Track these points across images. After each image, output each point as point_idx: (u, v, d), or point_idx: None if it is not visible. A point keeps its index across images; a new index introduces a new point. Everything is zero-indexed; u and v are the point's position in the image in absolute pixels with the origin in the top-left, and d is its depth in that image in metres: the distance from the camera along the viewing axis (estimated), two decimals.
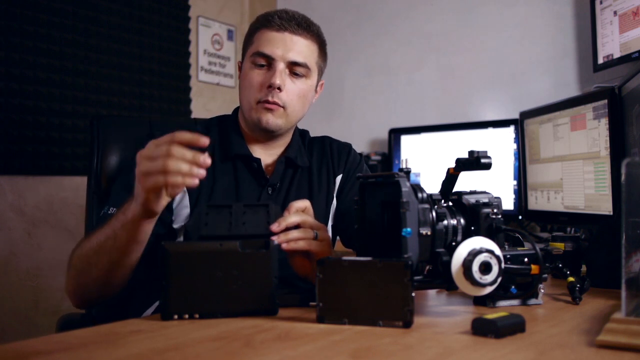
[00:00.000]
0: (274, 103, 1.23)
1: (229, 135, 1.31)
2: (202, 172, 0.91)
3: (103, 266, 1.04)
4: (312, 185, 1.34)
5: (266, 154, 1.32)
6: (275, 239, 0.94)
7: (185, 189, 1.15)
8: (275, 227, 0.96)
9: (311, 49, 1.28)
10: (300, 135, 1.41)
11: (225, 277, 0.86)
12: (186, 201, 1.23)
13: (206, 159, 0.90)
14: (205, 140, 0.91)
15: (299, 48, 1.25)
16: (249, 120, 1.28)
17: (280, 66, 1.23)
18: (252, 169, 1.29)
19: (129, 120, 1.69)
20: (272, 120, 1.24)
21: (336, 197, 1.37)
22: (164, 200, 0.96)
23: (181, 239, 1.22)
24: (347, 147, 1.44)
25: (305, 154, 1.37)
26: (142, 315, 1.17)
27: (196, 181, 0.91)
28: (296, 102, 1.26)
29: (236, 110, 1.37)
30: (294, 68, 1.25)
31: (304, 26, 1.26)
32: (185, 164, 0.89)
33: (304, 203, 1.04)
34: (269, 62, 1.24)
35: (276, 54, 1.23)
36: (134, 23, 2.46)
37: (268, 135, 1.29)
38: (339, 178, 1.38)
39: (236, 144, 1.29)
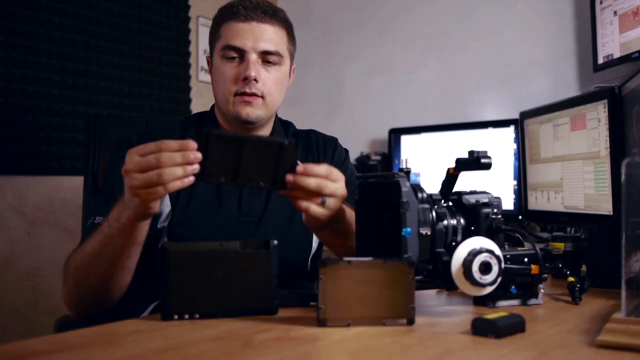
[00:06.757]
0: (252, 94, 1.21)
1: None
2: (196, 167, 0.89)
3: (103, 273, 1.04)
4: None
5: None
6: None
7: None
8: (290, 178, 0.93)
9: (280, 35, 1.25)
10: (283, 126, 1.39)
11: (225, 277, 0.86)
12: (167, 200, 1.20)
13: (197, 155, 0.88)
14: (193, 145, 0.89)
15: (269, 36, 1.23)
16: (227, 114, 1.26)
17: (253, 57, 1.21)
18: None
19: (125, 120, 1.70)
20: (252, 112, 1.22)
21: None
22: (159, 201, 0.96)
23: (165, 239, 1.21)
24: (334, 141, 1.42)
25: None
26: (140, 316, 1.17)
27: (192, 179, 0.90)
28: (274, 90, 1.25)
29: (213, 106, 1.36)
30: (266, 57, 1.23)
31: (270, 13, 1.23)
32: (179, 168, 0.89)
33: (324, 169, 0.97)
34: (241, 54, 1.22)
35: (246, 45, 1.21)
36: (134, 23, 2.46)
37: (248, 127, 1.28)
38: None
39: None
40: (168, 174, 0.88)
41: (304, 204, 0.96)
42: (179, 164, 0.88)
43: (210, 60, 1.32)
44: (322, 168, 0.97)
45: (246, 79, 1.21)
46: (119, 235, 0.99)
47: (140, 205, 0.93)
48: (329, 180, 0.97)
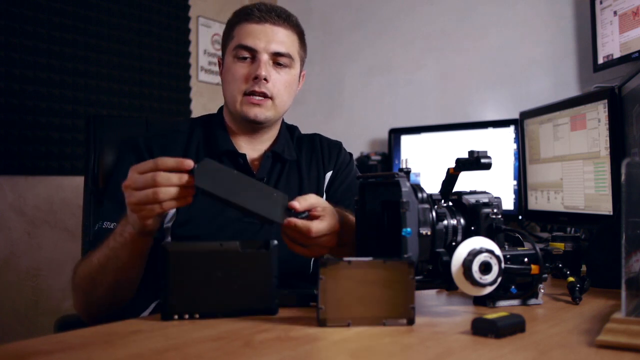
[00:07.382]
0: (262, 93, 1.23)
1: (214, 133, 1.31)
2: (191, 192, 0.92)
3: (109, 284, 1.07)
4: (302, 179, 1.33)
5: (252, 150, 1.32)
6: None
7: None
8: (296, 205, 0.99)
9: (292, 39, 1.28)
10: (289, 130, 1.41)
11: (225, 277, 0.86)
12: None
13: (190, 180, 0.91)
14: (189, 163, 0.91)
15: (281, 39, 1.25)
16: (235, 114, 1.27)
17: (264, 57, 1.23)
18: (238, 165, 1.28)
19: (125, 120, 1.69)
20: (260, 113, 1.24)
21: (325, 192, 1.37)
22: (159, 218, 0.98)
23: (169, 239, 1.22)
24: (338, 145, 1.44)
25: (293, 148, 1.36)
26: (141, 315, 1.17)
27: (189, 199, 0.93)
28: (283, 92, 1.26)
29: (221, 108, 1.37)
30: (277, 59, 1.25)
31: (283, 17, 1.26)
32: (174, 188, 0.91)
33: (312, 228, 0.99)
34: (252, 55, 1.24)
35: (259, 45, 1.23)
36: (134, 23, 2.46)
37: (255, 127, 1.29)
38: (328, 175, 1.37)
39: (221, 141, 1.29)
40: (163, 193, 0.90)
41: (288, 242, 1.01)
42: (174, 185, 0.91)
43: (221, 62, 1.33)
44: (308, 226, 0.98)
45: (256, 78, 1.22)
46: (122, 249, 1.02)
47: (137, 222, 0.96)
48: (315, 240, 1.00)
